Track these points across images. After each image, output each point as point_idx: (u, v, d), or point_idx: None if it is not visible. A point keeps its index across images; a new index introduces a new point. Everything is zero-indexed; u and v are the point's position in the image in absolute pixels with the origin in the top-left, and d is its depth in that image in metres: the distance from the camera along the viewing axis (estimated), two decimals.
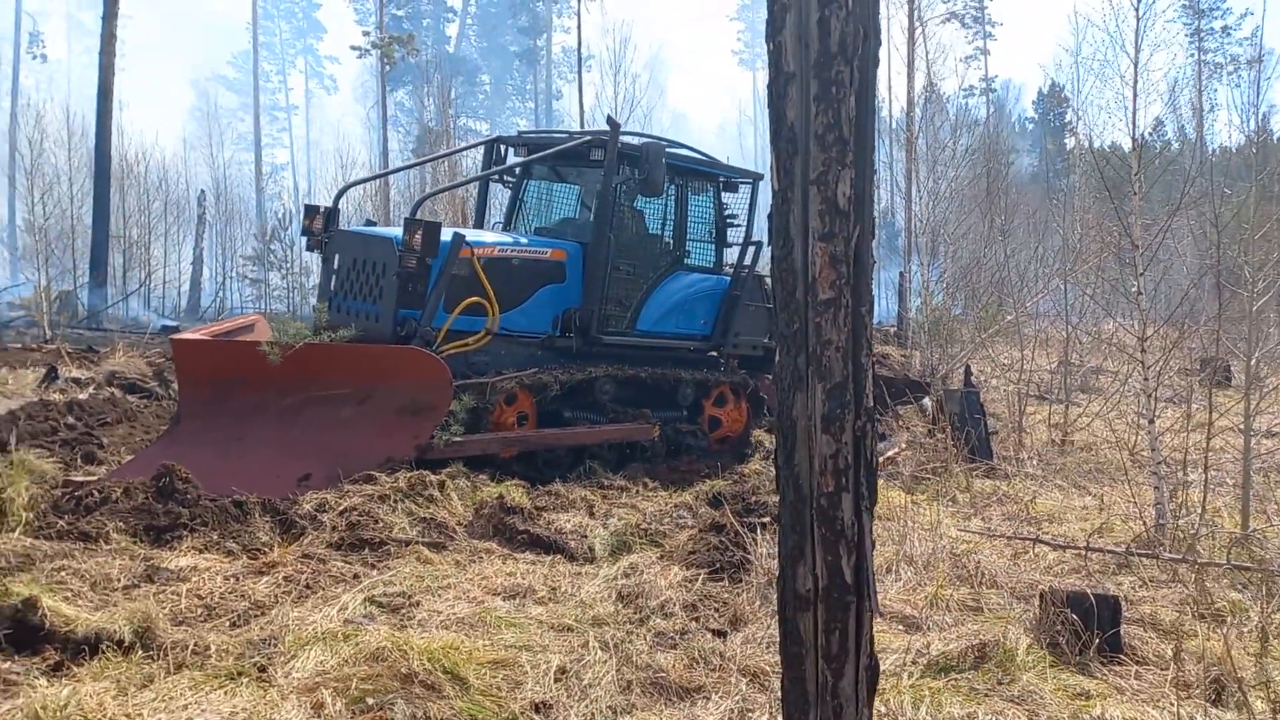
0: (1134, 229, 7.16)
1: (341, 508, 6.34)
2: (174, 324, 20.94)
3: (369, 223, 11.51)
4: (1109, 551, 6.10)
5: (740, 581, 5.34)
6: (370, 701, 3.74)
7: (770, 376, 10.77)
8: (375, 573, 5.38)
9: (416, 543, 5.94)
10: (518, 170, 10.52)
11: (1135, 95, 7.30)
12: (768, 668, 4.22)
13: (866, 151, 2.02)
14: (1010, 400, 11.10)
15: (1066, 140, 42.60)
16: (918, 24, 22.16)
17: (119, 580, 4.81)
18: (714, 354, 10.28)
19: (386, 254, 8.24)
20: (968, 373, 11.40)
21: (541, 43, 57.70)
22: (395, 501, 6.59)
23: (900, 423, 11.07)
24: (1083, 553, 5.99)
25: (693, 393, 9.87)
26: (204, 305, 28.52)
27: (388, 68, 27.52)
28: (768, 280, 11.51)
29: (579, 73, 27.86)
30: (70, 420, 8.65)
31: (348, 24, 61.32)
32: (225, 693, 3.72)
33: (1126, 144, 8.29)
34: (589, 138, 9.48)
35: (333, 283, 8.96)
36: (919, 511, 6.74)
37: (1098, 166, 9.18)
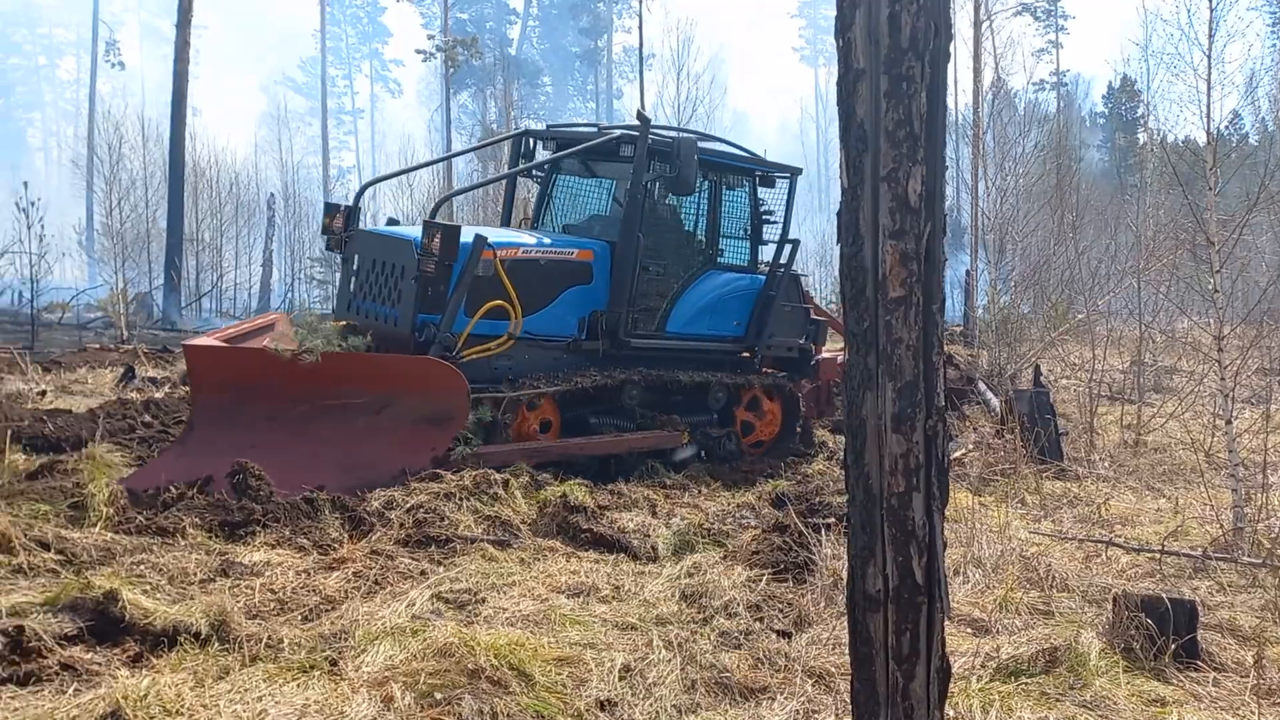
0: (1209, 225, 6.97)
1: (409, 505, 6.43)
2: None
3: (391, 222, 11.22)
4: (1185, 555, 5.94)
5: (804, 582, 5.31)
6: (438, 696, 3.78)
7: (806, 379, 10.55)
8: (442, 569, 5.46)
9: (482, 540, 6.01)
10: (546, 166, 10.20)
11: (1209, 88, 7.10)
12: (833, 669, 4.19)
13: (938, 148, 1.99)
14: (1081, 400, 10.87)
15: (1139, 135, 41.58)
16: (985, 17, 21.80)
17: (195, 574, 4.93)
18: (747, 356, 9.95)
19: (406, 256, 8.01)
20: (1037, 372, 11.18)
21: (602, 43, 57.92)
22: (461, 499, 6.67)
23: (967, 423, 10.91)
24: (1157, 556, 5.85)
25: (724, 397, 9.58)
26: (274, 306, 29.13)
27: (451, 70, 27.83)
28: (804, 279, 11.12)
29: (640, 72, 27.91)
30: (147, 418, 8.89)
31: (413, 28, 62.13)
32: (298, 685, 3.80)
33: (1201, 138, 8.07)
34: (619, 133, 9.16)
35: (352, 284, 8.75)
36: (987, 513, 6.63)
37: (1170, 162, 8.96)
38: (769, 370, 10.18)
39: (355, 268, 8.68)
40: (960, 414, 11.13)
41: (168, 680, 3.65)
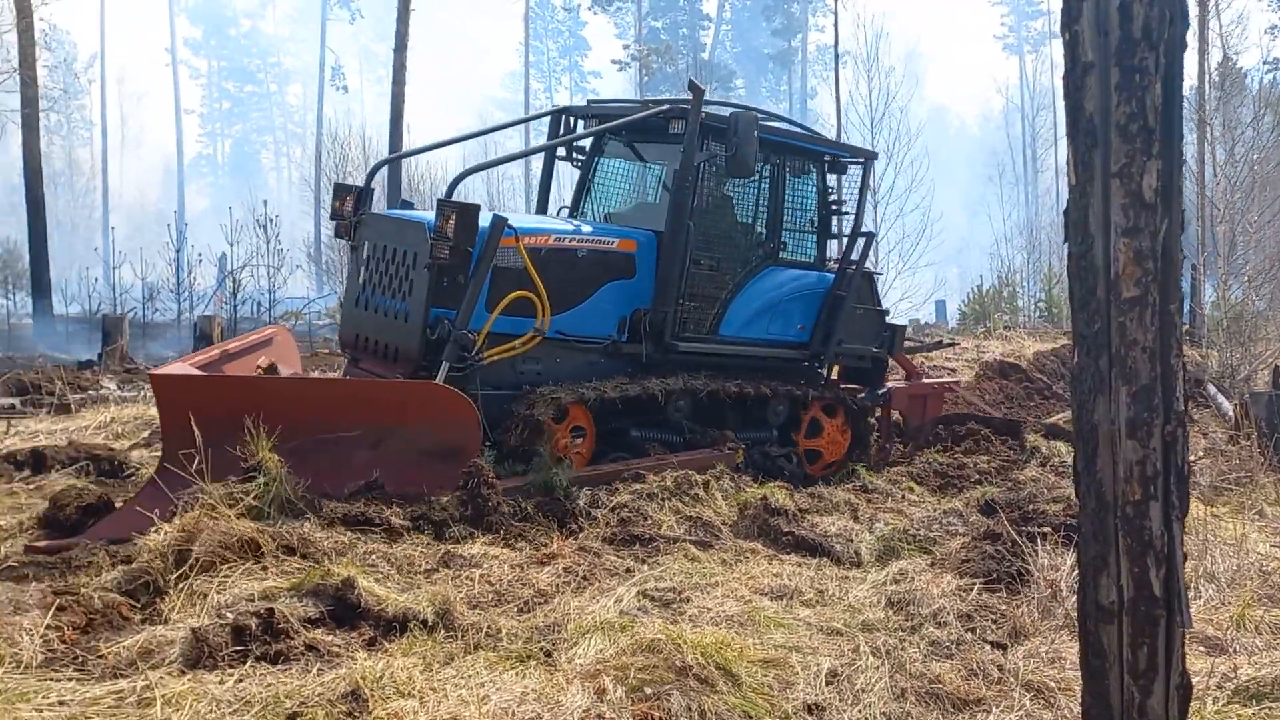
0: None
1: (613, 504, 6.62)
2: None
3: (405, 205, 10.00)
4: None
5: (1019, 593, 5.12)
6: (648, 691, 3.88)
7: (882, 390, 9.47)
8: (646, 567, 5.58)
9: (684, 540, 6.10)
10: (587, 147, 9.02)
11: None
12: (1052, 683, 4.03)
13: (1174, 140, 1.90)
14: None
15: None
16: None
17: (421, 565, 5.25)
18: (815, 365, 9.03)
19: (418, 241, 7.03)
20: (1276, 374, 10.31)
21: (796, 43, 57.45)
22: (663, 500, 6.79)
23: (1196, 429, 10.19)
24: None
25: (786, 410, 8.58)
26: None
27: (646, 78, 28.31)
28: (877, 277, 10.00)
29: (835, 70, 27.51)
30: None
31: (608, 39, 63.58)
32: (516, 674, 3.98)
33: None
34: (667, 106, 8.13)
35: (360, 275, 7.80)
36: (1220, 525, 6.18)
37: None
38: (836, 381, 9.29)
39: (365, 256, 7.74)
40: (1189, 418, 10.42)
41: (400, 664, 3.91)
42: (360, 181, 8.26)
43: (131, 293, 24.06)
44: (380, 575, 4.96)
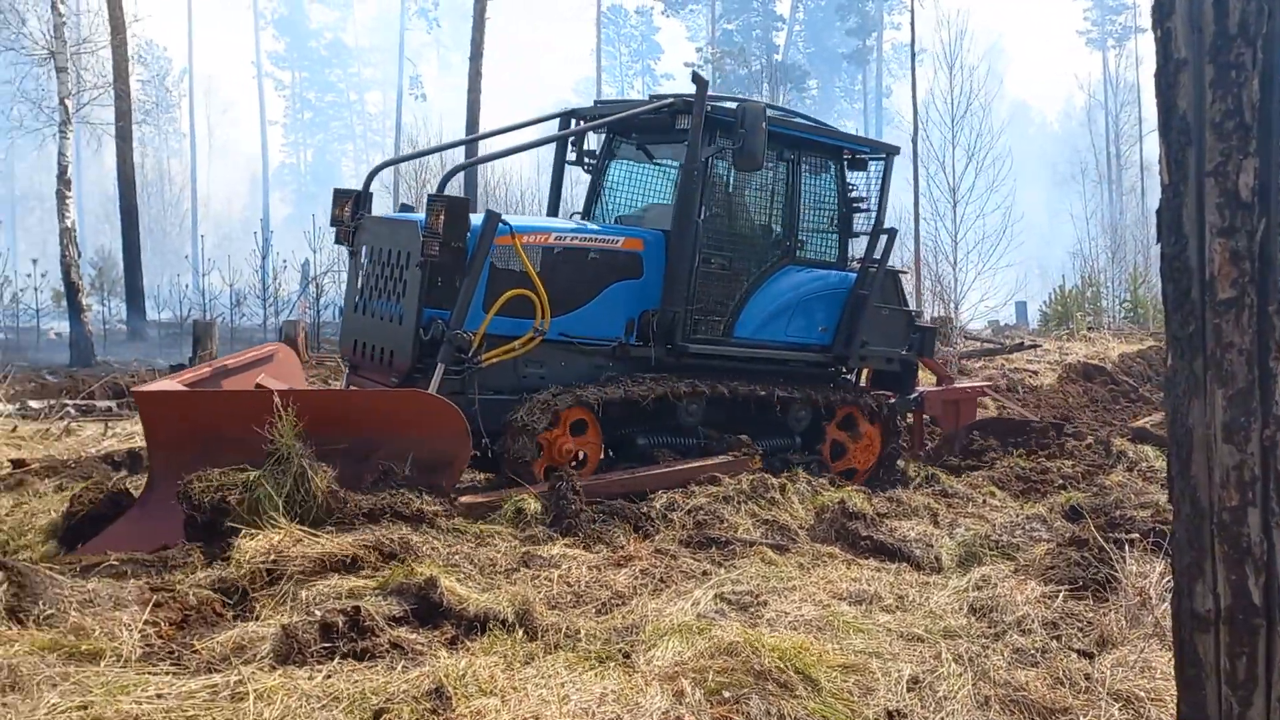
0: None
1: (689, 507, 6.64)
2: None
3: (404, 208, 9.87)
4: None
5: (1106, 601, 4.99)
6: (726, 694, 3.89)
7: (913, 395, 9.11)
8: (722, 570, 5.58)
9: (760, 544, 6.08)
10: (598, 150, 8.84)
11: None
12: (1142, 693, 3.92)
13: (1271, 137, 1.85)
14: None
15: None
16: None
17: (501, 565, 5.33)
18: (840, 368, 8.76)
19: (410, 241, 6.89)
20: None
21: (871, 42, 56.85)
22: (738, 503, 6.79)
23: None
24: None
25: (807, 416, 8.31)
26: None
27: (719, 80, 28.28)
28: (903, 276, 9.46)
29: (912, 68, 27.15)
30: None
31: (680, 42, 63.65)
32: (595, 674, 4.02)
33: None
34: (670, 100, 7.87)
35: (358, 280, 7.74)
36: None
37: None
38: (865, 386, 9.00)
39: (363, 261, 7.69)
40: None
41: (482, 662, 3.97)
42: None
43: (220, 299, 24.82)
44: (462, 575, 5.05)
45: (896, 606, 5.09)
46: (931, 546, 6.22)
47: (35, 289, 23.97)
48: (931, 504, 7.33)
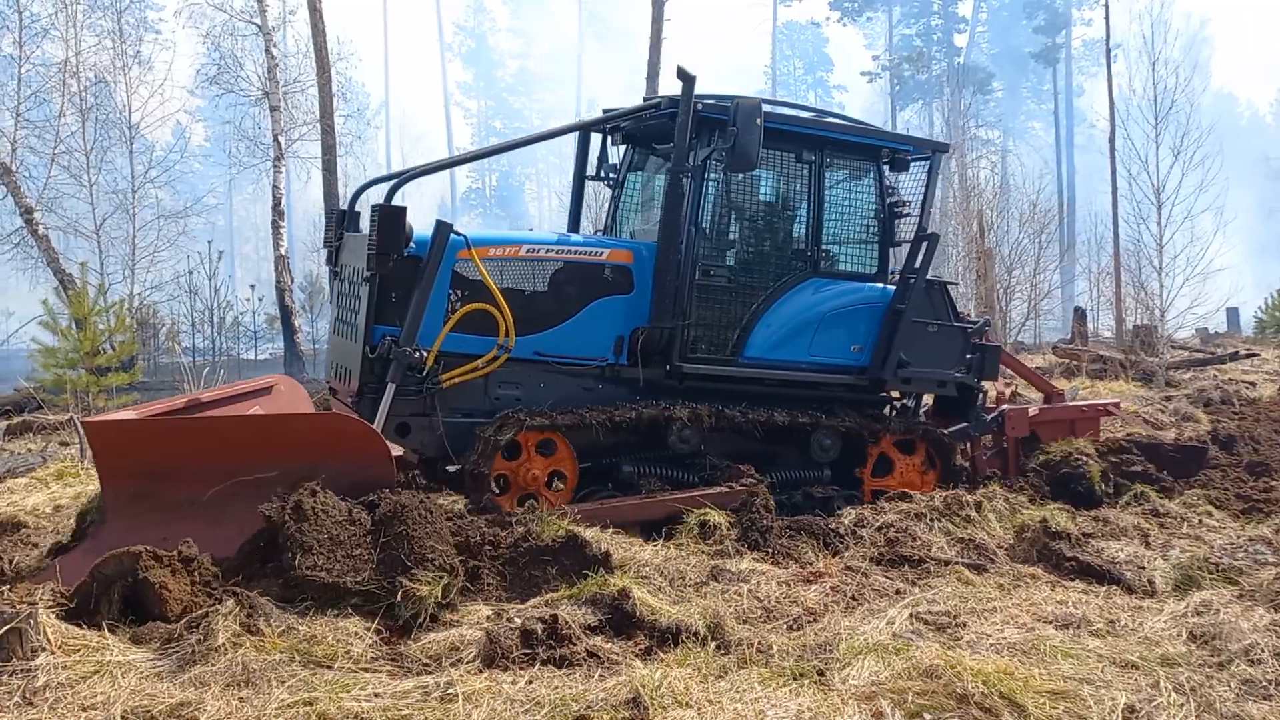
0: None
1: (879, 523, 6.51)
2: None
3: None
4: None
5: None
6: (927, 717, 3.78)
7: (983, 419, 8.11)
8: (916, 589, 5.45)
9: (956, 563, 5.90)
10: (618, 163, 8.25)
11: None
12: None
13: None
14: None
15: None
16: None
17: (691, 578, 5.37)
18: (882, 393, 7.84)
19: (363, 254, 6.52)
20: None
21: (1060, 39, 54.26)
22: (931, 520, 6.62)
23: None
24: None
25: (834, 446, 7.48)
26: None
27: (897, 87, 27.58)
28: (951, 288, 8.32)
29: (1107, 65, 25.74)
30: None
31: (857, 50, 62.56)
32: (790, 691, 3.99)
33: None
34: (658, 100, 7.29)
35: (336, 299, 7.41)
36: None
37: None
38: (913, 410, 8.06)
39: (342, 280, 7.30)
40: None
41: (676, 674, 4.01)
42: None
43: None
44: (653, 587, 5.12)
45: (1107, 631, 4.83)
46: (1144, 569, 5.87)
47: (253, 313, 25.88)
48: (1141, 524, 6.92)
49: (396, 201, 6.53)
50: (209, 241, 26.48)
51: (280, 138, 18.96)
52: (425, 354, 6.38)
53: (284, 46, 23.50)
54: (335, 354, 7.37)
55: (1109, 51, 26.13)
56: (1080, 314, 22.63)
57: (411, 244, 6.40)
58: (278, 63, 19.60)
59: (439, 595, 4.61)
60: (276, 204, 18.63)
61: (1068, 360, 17.30)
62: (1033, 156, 45.74)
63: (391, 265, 6.31)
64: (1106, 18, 26.38)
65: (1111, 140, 23.77)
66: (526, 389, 6.85)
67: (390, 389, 6.24)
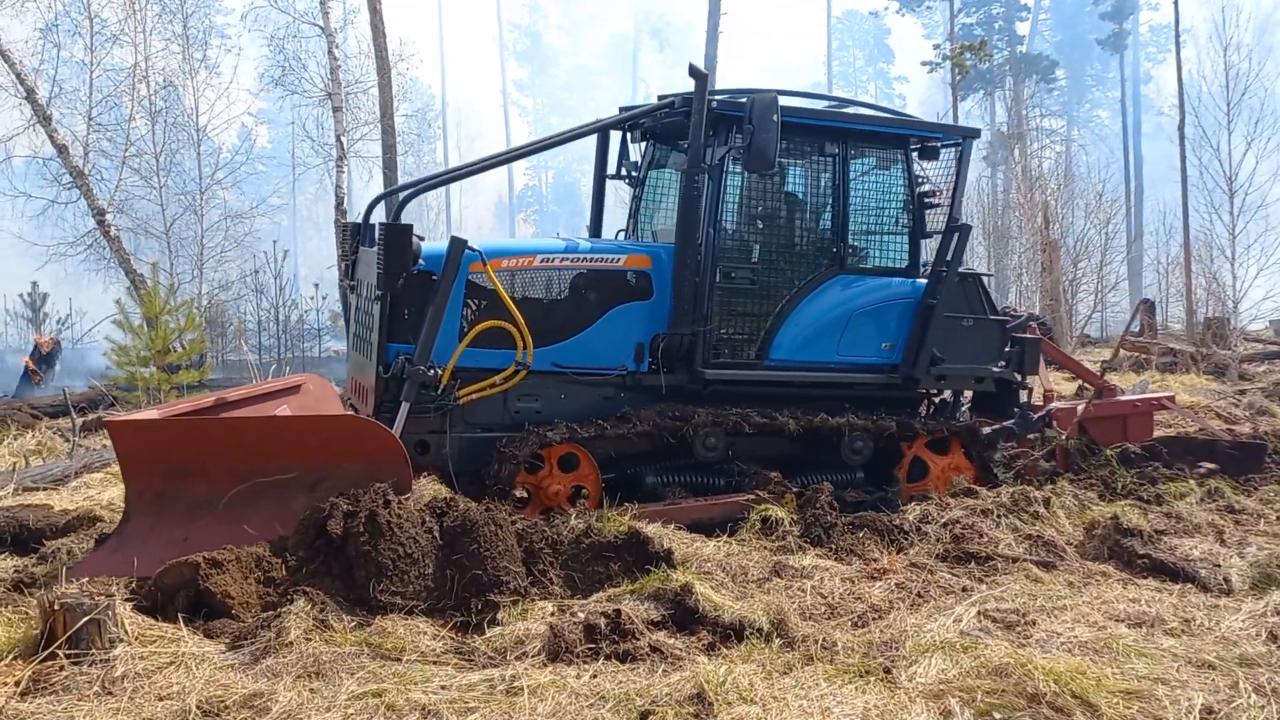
0: None
1: (944, 520, 6.42)
2: None
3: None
4: None
5: None
6: (997, 716, 3.73)
7: (1028, 418, 7.83)
8: (984, 587, 5.36)
9: (1024, 560, 5.81)
10: (641, 163, 8.04)
11: None
12: None
13: None
14: None
15: None
16: None
17: (753, 574, 5.35)
18: (916, 391, 7.57)
19: (374, 271, 6.45)
20: None
21: (1128, 25, 52.96)
22: (998, 517, 6.52)
23: None
24: None
25: (866, 448, 7.26)
26: None
27: (958, 77, 27.09)
28: (986, 280, 8.06)
29: (1176, 50, 25.06)
30: None
31: (917, 40, 61.70)
32: (855, 688, 3.95)
33: None
34: (673, 99, 7.10)
35: (353, 315, 7.31)
36: None
37: None
38: (950, 407, 7.82)
39: (359, 294, 7.21)
40: None
41: (741, 670, 4.00)
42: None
43: None
44: (715, 583, 5.11)
45: (1182, 630, 4.72)
46: (1219, 567, 5.72)
47: (317, 310, 26.30)
48: (1216, 520, 6.76)
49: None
50: (274, 241, 27.02)
51: (343, 138, 19.21)
52: (440, 371, 6.31)
53: (346, 48, 23.84)
54: (354, 368, 7.29)
55: (1178, 36, 25.44)
56: (1149, 305, 22.08)
57: (420, 260, 6.35)
58: (340, 64, 19.84)
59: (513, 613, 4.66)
60: (339, 203, 18.86)
61: (1137, 354, 16.85)
62: (1098, 146, 44.75)
63: (402, 283, 6.27)
64: (1175, 2, 25.69)
65: (1181, 128, 23.14)
66: (546, 401, 6.72)
67: (404, 408, 6.17)
